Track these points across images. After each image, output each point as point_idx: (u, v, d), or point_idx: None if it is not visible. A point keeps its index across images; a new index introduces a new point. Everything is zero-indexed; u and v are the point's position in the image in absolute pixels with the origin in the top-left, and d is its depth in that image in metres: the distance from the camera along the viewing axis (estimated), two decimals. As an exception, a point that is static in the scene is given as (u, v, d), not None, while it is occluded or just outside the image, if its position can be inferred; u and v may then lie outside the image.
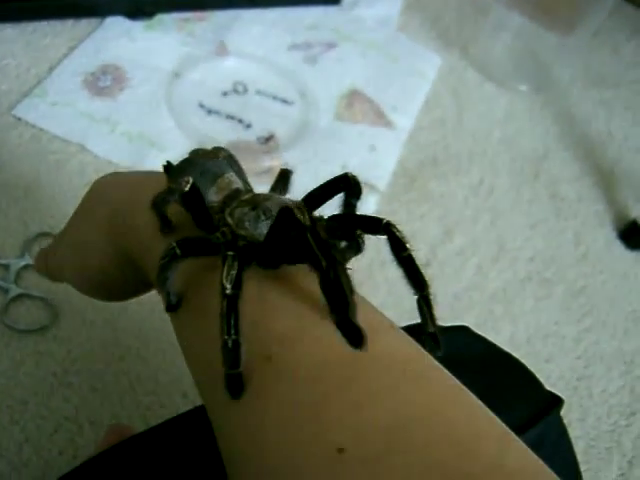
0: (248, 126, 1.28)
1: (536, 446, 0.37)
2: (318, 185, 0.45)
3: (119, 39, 1.35)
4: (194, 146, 1.28)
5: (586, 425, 1.13)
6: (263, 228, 0.41)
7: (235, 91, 1.33)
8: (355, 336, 0.35)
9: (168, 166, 0.47)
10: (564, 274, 1.29)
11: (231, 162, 0.48)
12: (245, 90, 1.34)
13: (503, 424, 0.36)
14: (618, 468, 1.11)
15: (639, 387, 1.20)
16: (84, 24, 1.37)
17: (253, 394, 0.36)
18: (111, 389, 0.97)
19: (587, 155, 1.50)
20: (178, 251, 0.39)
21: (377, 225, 0.41)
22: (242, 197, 0.43)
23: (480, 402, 0.37)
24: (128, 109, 1.25)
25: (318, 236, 0.37)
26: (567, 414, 1.11)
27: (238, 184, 0.46)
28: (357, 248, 0.41)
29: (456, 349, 0.59)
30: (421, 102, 1.45)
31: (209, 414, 0.40)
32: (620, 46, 1.79)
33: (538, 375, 0.66)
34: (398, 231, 0.40)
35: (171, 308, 0.42)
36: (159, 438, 0.57)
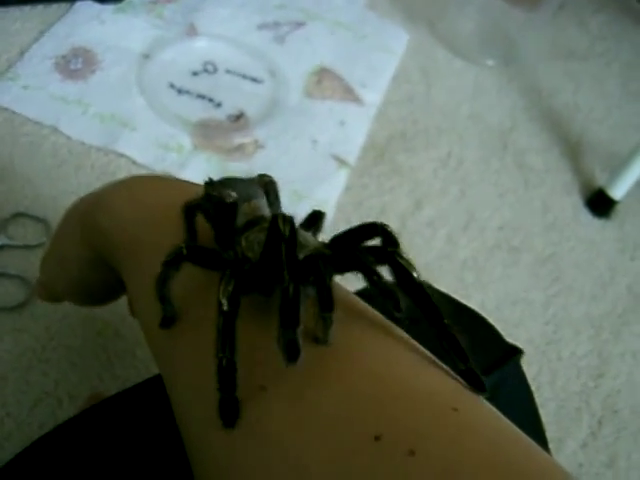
0: (218, 105, 1.30)
1: (493, 391, 0.38)
2: (347, 229, 0.43)
3: (89, 22, 1.36)
4: (165, 125, 1.29)
5: (556, 387, 1.16)
6: None
7: (205, 71, 1.35)
8: (291, 352, 0.34)
9: (209, 181, 0.46)
10: (532, 242, 1.32)
11: (269, 190, 0.48)
12: (215, 70, 1.36)
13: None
14: (588, 427, 1.14)
15: (607, 350, 1.23)
16: (54, 8, 1.38)
17: (247, 425, 0.36)
18: (89, 364, 0.99)
19: (554, 126, 1.53)
20: (185, 251, 0.39)
21: (381, 254, 0.39)
22: (264, 224, 0.42)
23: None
24: (100, 91, 1.27)
25: (291, 248, 0.36)
26: (537, 377, 1.15)
27: (265, 211, 0.45)
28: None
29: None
30: (389, 78, 1.47)
31: (189, 443, 0.40)
32: (586, 19, 1.82)
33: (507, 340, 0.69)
34: (403, 259, 0.38)
35: (166, 323, 0.42)
36: (132, 399, 0.59)
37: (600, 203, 1.40)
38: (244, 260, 0.40)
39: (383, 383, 0.35)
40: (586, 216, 1.40)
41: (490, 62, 1.60)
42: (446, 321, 0.38)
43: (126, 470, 0.52)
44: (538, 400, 1.12)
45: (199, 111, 1.28)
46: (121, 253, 0.50)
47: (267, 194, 0.47)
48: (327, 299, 0.36)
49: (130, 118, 1.24)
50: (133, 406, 0.58)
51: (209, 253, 0.41)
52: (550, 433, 1.11)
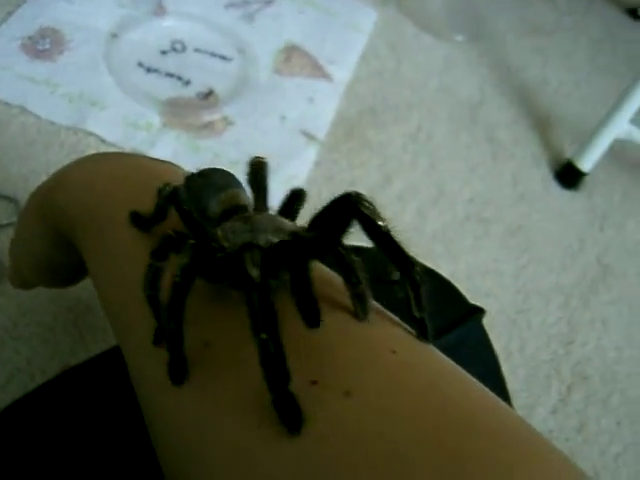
0: (187, 83, 1.30)
1: (454, 348, 0.39)
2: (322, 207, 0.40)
3: (57, 3, 1.36)
4: (134, 104, 1.29)
5: (526, 355, 1.18)
6: (243, 240, 0.39)
7: (174, 50, 1.35)
8: (292, 416, 0.32)
9: (190, 175, 0.45)
10: (502, 214, 1.33)
11: (255, 179, 0.46)
12: (184, 48, 1.36)
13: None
14: (558, 394, 1.16)
15: (576, 318, 1.24)
16: (21, -11, 1.38)
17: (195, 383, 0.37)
18: (61, 339, 0.99)
19: (523, 101, 1.54)
20: (174, 234, 0.39)
21: (345, 208, 0.38)
22: (243, 214, 0.42)
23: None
24: (68, 71, 1.27)
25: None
26: (507, 345, 1.16)
27: (245, 201, 0.44)
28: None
29: (382, 266, 0.63)
30: (358, 55, 1.48)
31: (143, 405, 0.41)
32: (554, -5, 1.83)
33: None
34: (368, 208, 0.37)
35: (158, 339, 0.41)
36: (98, 367, 0.60)
37: (569, 175, 1.41)
38: (219, 249, 0.39)
39: (321, 332, 0.36)
40: (555, 188, 1.41)
41: (459, 38, 1.61)
42: (417, 268, 0.37)
43: (92, 436, 0.53)
44: (508, 368, 1.15)
45: (168, 89, 1.29)
46: (78, 229, 0.50)
47: (255, 181, 0.46)
48: (307, 290, 0.35)
49: (99, 97, 1.24)
50: (99, 374, 0.58)
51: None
52: (520, 400, 1.13)
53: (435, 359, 0.38)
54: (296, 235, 0.38)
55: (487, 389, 0.37)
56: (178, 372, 0.37)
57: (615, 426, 1.14)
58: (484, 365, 0.67)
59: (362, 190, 1.14)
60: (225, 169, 0.47)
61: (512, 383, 1.16)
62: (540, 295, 1.25)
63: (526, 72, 1.61)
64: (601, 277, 1.31)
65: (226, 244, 0.39)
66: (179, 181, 0.51)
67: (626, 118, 1.33)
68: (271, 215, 0.42)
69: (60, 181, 0.54)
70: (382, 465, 0.31)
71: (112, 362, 0.58)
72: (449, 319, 0.64)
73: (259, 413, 0.33)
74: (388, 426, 0.33)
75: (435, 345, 0.40)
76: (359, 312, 0.37)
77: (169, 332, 0.37)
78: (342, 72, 1.42)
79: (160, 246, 0.39)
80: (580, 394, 1.16)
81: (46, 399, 0.58)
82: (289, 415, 0.32)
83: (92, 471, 0.50)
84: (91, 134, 1.19)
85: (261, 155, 0.46)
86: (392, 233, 0.37)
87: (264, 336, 0.32)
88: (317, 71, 1.40)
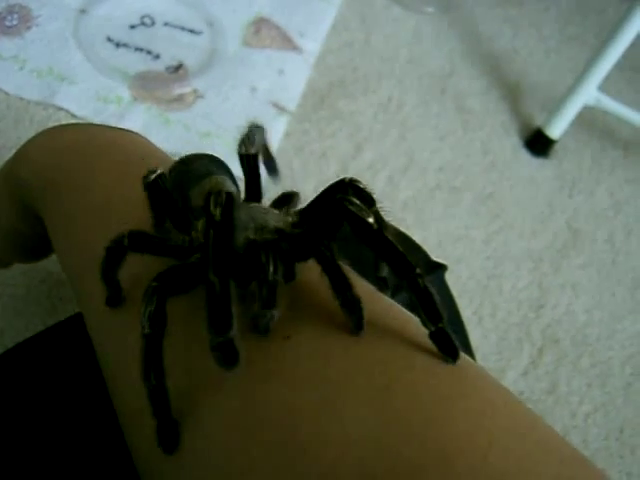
0: (157, 57, 1.30)
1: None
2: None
3: (23, -21, 1.36)
4: (104, 78, 1.29)
5: (497, 319, 1.19)
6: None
7: (143, 24, 1.35)
8: (228, 357, 0.31)
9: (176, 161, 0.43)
10: (472, 182, 1.34)
11: (247, 166, 0.42)
12: (153, 22, 1.36)
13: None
14: (529, 356, 1.17)
15: (547, 282, 1.26)
16: (-13, -34, 1.37)
17: None
18: (34, 310, 1.00)
19: (493, 71, 1.55)
20: (126, 241, 0.36)
21: (332, 205, 0.35)
22: None
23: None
24: (36, 46, 1.26)
25: (226, 235, 0.32)
26: (478, 310, 1.18)
27: (229, 189, 0.40)
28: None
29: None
30: (328, 27, 1.48)
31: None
32: (524, -34, 1.84)
33: (448, 276, 0.71)
34: (355, 205, 0.34)
35: (112, 302, 0.40)
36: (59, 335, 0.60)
37: (538, 143, 1.43)
38: (193, 249, 0.37)
39: None
40: (525, 156, 1.43)
41: (429, 9, 1.62)
42: (418, 270, 0.33)
43: (55, 401, 0.53)
44: (480, 332, 1.16)
45: (137, 63, 1.29)
46: (40, 199, 0.51)
47: (246, 168, 0.42)
48: (269, 296, 0.33)
49: (68, 72, 1.24)
50: (62, 339, 0.59)
51: (154, 242, 0.38)
52: (492, 363, 1.15)
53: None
54: (281, 233, 0.36)
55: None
56: (169, 439, 0.33)
57: (585, 387, 1.16)
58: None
59: (333, 160, 1.15)
60: (212, 154, 0.44)
61: (483, 347, 1.19)
62: (511, 260, 1.26)
63: (496, 42, 1.62)
64: (571, 242, 1.32)
65: (203, 240, 0.36)
66: (140, 150, 0.51)
67: (594, 85, 1.35)
68: (258, 207, 0.39)
69: (22, 154, 0.55)
70: (318, 402, 0.33)
71: (76, 328, 0.59)
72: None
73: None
74: (322, 365, 0.34)
75: (396, 300, 0.41)
76: (352, 326, 0.34)
77: (151, 390, 0.33)
78: (312, 44, 1.42)
79: (105, 259, 0.37)
80: (551, 356, 1.18)
81: (9, 365, 0.58)
82: (227, 358, 0.31)
83: (54, 435, 0.50)
84: (61, 109, 1.19)
85: (241, 127, 0.43)
86: (385, 233, 0.34)
87: (214, 278, 0.31)
88: (287, 43, 1.40)
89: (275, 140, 1.23)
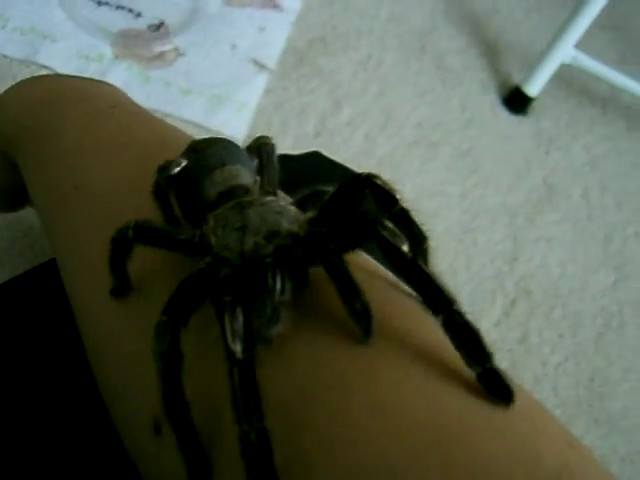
0: (138, 15, 1.32)
1: None
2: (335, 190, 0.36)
3: (5, -62, 1.37)
4: (86, 36, 1.30)
5: (471, 271, 1.22)
6: (230, 241, 0.34)
7: (124, -18, 1.36)
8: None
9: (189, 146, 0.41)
10: (450, 138, 1.36)
11: (263, 153, 0.41)
12: (134, -20, 1.37)
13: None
14: (501, 307, 1.20)
15: (522, 236, 1.29)
16: None
17: None
18: (17, 262, 1.02)
19: (473, 29, 1.57)
20: (131, 234, 0.35)
21: (362, 227, 0.33)
22: (243, 198, 0.36)
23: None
24: (18, 5, 1.28)
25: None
26: (452, 263, 1.21)
27: (245, 180, 0.38)
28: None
29: (308, 170, 0.66)
30: (309, -15, 1.49)
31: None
32: None
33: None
34: (388, 230, 0.32)
35: (117, 292, 0.38)
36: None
37: (516, 100, 1.45)
38: (204, 246, 0.35)
39: None
40: (503, 113, 1.45)
41: (410, -32, 1.63)
42: (455, 307, 0.31)
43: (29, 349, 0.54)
44: (453, 285, 1.19)
45: (119, 21, 1.30)
46: (16, 146, 0.54)
47: (260, 158, 0.41)
48: (273, 314, 0.30)
49: (50, 30, 1.26)
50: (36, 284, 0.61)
51: (162, 234, 0.36)
52: (465, 313, 1.18)
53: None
54: (296, 238, 0.33)
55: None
56: (201, 475, 0.30)
57: (557, 338, 1.19)
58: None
59: (312, 117, 1.16)
60: (227, 139, 0.41)
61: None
62: (487, 214, 1.29)
63: (477, 1, 1.63)
64: (546, 198, 1.35)
65: (213, 241, 0.34)
66: (110, 99, 0.53)
67: (571, 43, 1.36)
68: (272, 205, 0.36)
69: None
70: None
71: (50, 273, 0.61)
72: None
73: None
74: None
75: None
76: (360, 333, 0.31)
77: (175, 425, 0.30)
78: (292, 2, 1.44)
79: (112, 251, 0.36)
80: (523, 308, 1.21)
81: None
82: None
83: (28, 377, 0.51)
84: (44, 66, 1.21)
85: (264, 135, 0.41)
86: (419, 261, 0.32)
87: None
88: (268, 2, 1.41)
89: (255, 97, 1.25)
